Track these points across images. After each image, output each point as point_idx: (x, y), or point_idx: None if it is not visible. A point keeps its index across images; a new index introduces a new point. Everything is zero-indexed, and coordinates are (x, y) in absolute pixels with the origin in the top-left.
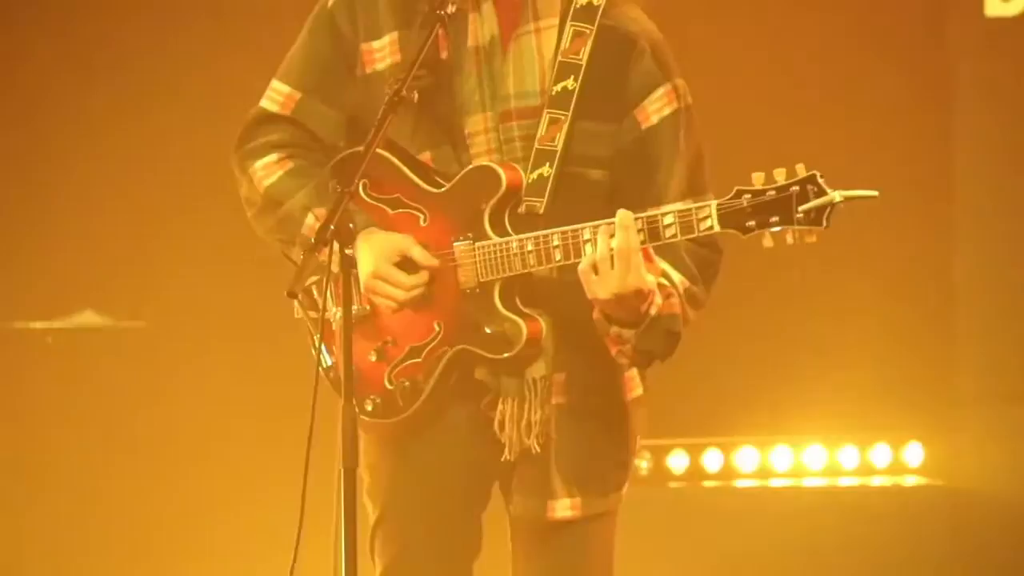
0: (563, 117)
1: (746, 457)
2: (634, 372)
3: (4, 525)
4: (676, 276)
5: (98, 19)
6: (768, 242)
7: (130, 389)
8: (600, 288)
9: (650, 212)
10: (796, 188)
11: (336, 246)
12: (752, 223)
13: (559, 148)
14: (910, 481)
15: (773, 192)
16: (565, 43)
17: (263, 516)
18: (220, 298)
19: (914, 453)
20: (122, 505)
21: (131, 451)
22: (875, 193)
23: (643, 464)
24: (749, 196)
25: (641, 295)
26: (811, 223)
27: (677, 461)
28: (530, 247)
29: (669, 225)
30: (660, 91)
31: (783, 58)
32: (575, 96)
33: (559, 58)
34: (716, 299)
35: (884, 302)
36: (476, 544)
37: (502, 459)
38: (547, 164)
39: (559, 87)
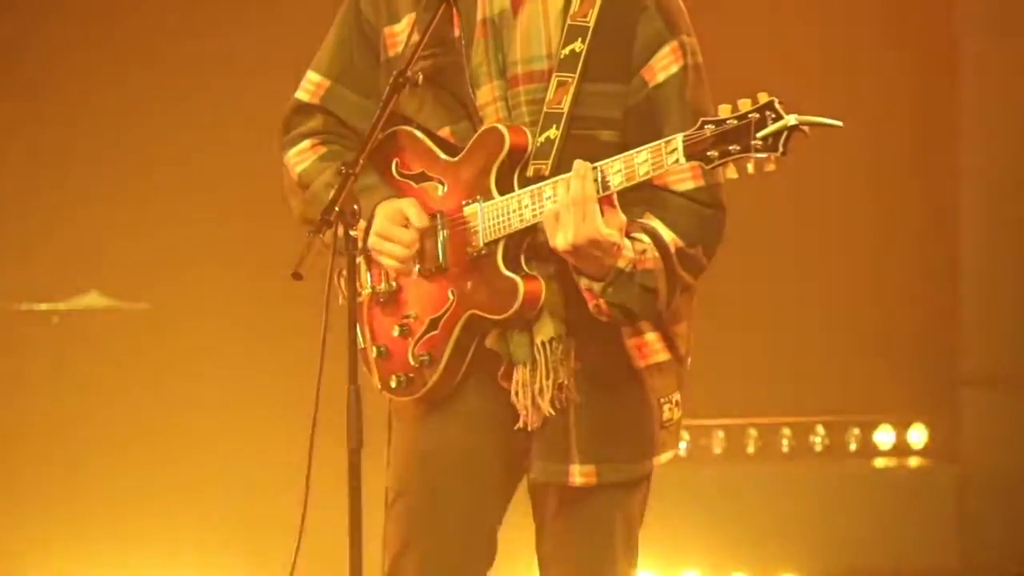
0: (570, 79)
1: (750, 437)
2: (652, 337)
3: (8, 503)
4: (667, 235)
5: (106, 5)
6: (731, 172)
7: (134, 370)
8: (558, 237)
9: (611, 159)
10: (755, 115)
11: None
12: (714, 153)
13: (566, 110)
14: (913, 462)
15: (734, 121)
16: (574, 6)
17: (267, 498)
18: (224, 280)
19: (917, 435)
20: (125, 484)
21: (135, 431)
22: (839, 123)
23: (682, 444)
24: (712, 126)
25: (597, 245)
26: (769, 149)
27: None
28: (527, 201)
29: (643, 163)
30: (666, 48)
31: (787, 35)
32: (582, 58)
33: (568, 21)
34: (722, 281)
35: (888, 283)
36: (491, 546)
37: (516, 428)
38: (554, 126)
39: (567, 50)
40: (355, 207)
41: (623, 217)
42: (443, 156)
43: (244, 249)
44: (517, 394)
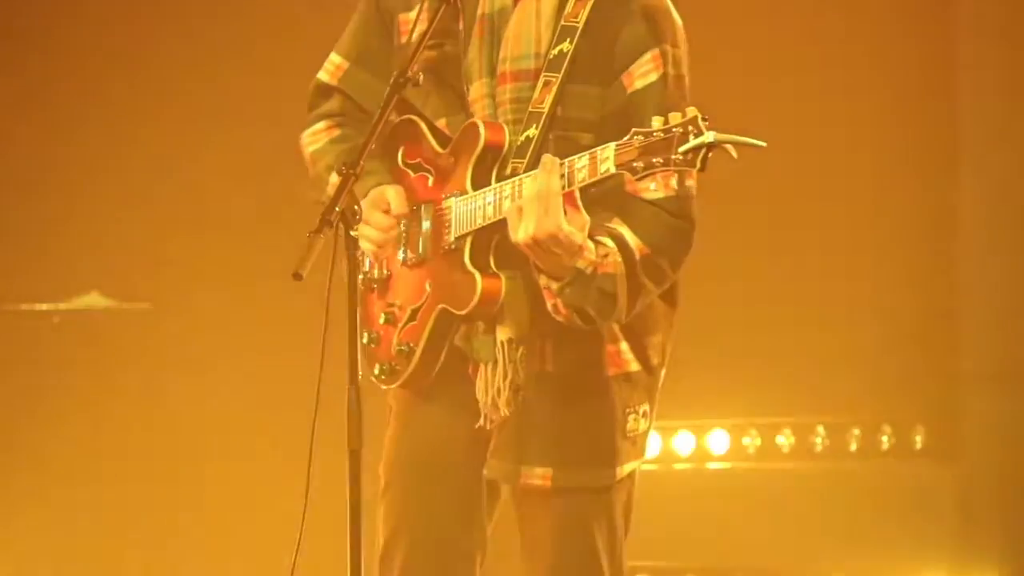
0: (554, 80)
1: (750, 437)
2: (623, 347)
3: (10, 504)
4: (633, 241)
5: (108, 7)
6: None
7: (135, 370)
8: (519, 229)
9: (568, 158)
10: (679, 130)
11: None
12: (640, 164)
13: (546, 110)
14: (914, 462)
15: (660, 133)
16: (568, 7)
17: (268, 496)
18: (224, 280)
19: (918, 435)
20: (127, 484)
21: (136, 430)
22: (762, 143)
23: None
24: (641, 137)
25: (558, 242)
26: (688, 165)
27: (683, 442)
28: (490, 198)
29: (581, 168)
30: (647, 56)
31: (787, 35)
32: (568, 58)
33: (561, 22)
34: (722, 282)
35: (888, 283)
36: (480, 536)
37: (476, 426)
38: (534, 126)
39: (556, 50)
40: (356, 207)
41: (586, 217)
42: (436, 147)
43: (244, 249)
44: (479, 392)
